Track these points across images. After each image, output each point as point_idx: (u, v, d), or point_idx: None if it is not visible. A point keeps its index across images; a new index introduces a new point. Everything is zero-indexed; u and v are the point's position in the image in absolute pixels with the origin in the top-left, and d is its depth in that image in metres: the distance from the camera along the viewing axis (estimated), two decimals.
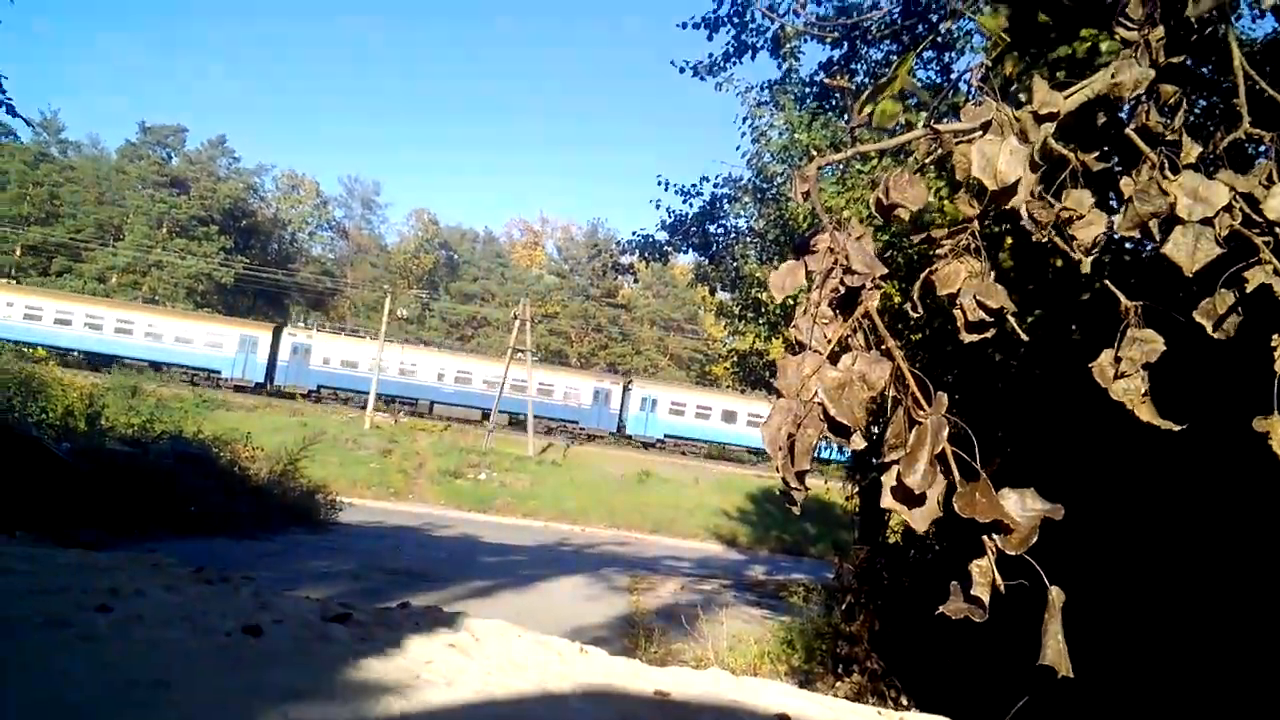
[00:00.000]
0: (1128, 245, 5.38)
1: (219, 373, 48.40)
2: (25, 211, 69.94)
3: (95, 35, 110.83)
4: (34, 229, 69.01)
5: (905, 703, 7.17)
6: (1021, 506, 1.75)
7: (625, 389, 53.01)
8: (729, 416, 50.57)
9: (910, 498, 1.78)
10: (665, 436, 51.54)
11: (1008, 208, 1.98)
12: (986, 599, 1.75)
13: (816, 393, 1.83)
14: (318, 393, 49.32)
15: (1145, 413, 2.06)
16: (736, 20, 10.56)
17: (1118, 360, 2.07)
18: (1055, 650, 1.76)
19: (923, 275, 2.08)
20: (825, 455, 13.14)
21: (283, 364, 49.53)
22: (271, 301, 75.19)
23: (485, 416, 49.61)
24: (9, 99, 10.18)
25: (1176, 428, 2.03)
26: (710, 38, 10.76)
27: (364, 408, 46.84)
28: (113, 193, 73.03)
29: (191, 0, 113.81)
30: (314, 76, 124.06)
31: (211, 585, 3.69)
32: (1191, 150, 2.09)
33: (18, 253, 69.29)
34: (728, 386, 49.65)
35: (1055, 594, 1.75)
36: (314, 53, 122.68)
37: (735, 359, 21.65)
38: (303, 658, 2.41)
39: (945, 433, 1.76)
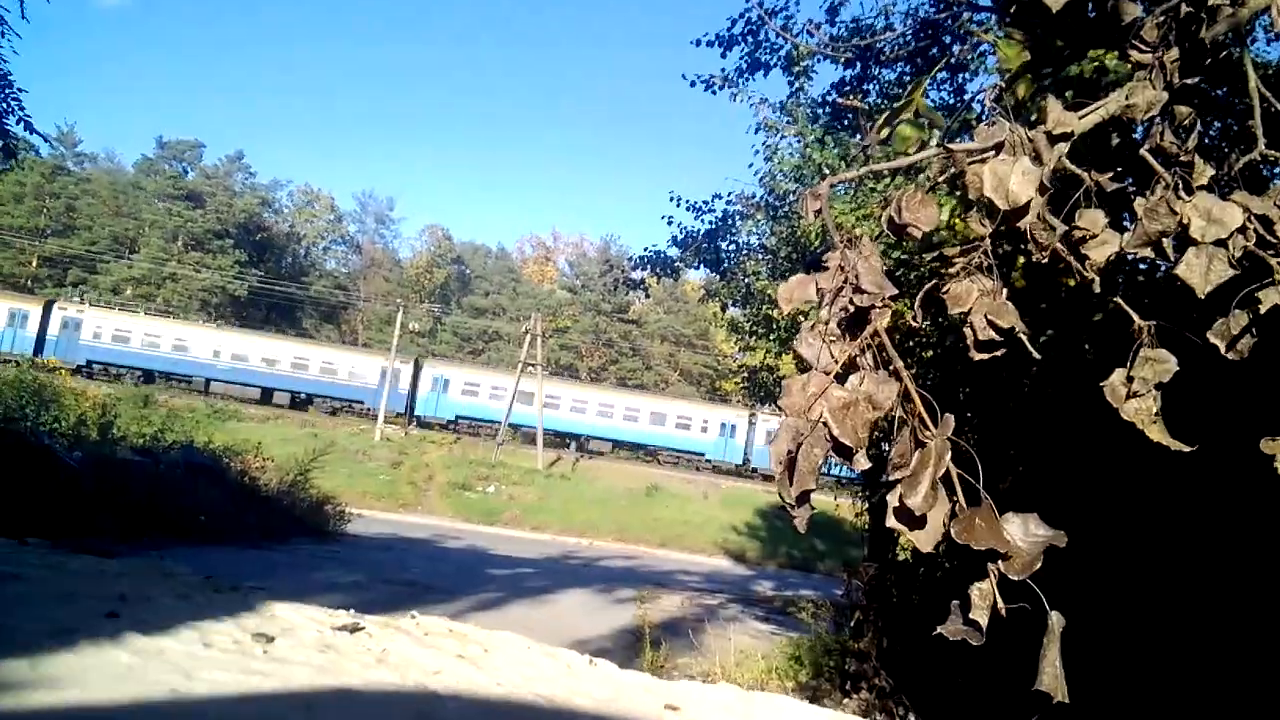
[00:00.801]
0: (1141, 265, 5.37)
1: None
2: (42, 224, 70.61)
3: (112, 51, 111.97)
4: (50, 241, 69.62)
5: None
6: (1024, 532, 1.75)
7: (416, 368, 52.06)
8: (525, 398, 49.88)
9: (913, 519, 1.78)
10: (457, 418, 50.91)
11: (1019, 227, 1.99)
12: (985, 623, 1.74)
13: (821, 412, 1.83)
14: (89, 368, 48.12)
15: (1155, 433, 2.06)
16: (750, 39, 10.61)
17: (1130, 380, 2.06)
18: (1051, 676, 1.75)
19: (925, 288, 2.08)
20: (841, 473, 13.10)
21: (52, 338, 48.97)
22: (285, 314, 75.53)
23: (265, 395, 49.63)
24: (27, 115, 10.30)
25: (1186, 449, 2.02)
26: (724, 55, 10.80)
27: (139, 383, 46.19)
28: (129, 206, 73.63)
29: (209, 19, 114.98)
30: (329, 94, 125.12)
31: (221, 594, 3.71)
32: (1204, 172, 2.09)
33: (34, 264, 69.91)
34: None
35: (1055, 619, 1.74)
36: (329, 71, 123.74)
37: (746, 375, 21.67)
38: (314, 667, 2.42)
39: (949, 455, 1.76)
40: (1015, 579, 1.72)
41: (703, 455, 51.16)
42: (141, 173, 77.69)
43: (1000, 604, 1.74)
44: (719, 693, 2.98)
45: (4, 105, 10.09)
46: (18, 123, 10.26)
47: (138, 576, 3.21)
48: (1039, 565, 1.71)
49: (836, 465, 1.99)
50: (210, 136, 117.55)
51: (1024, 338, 2.01)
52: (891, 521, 1.81)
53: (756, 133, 12.08)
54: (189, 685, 2.04)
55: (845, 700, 8.28)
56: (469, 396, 50.83)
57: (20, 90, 10.08)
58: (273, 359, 49.80)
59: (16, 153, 12.39)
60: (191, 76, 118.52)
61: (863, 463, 1.84)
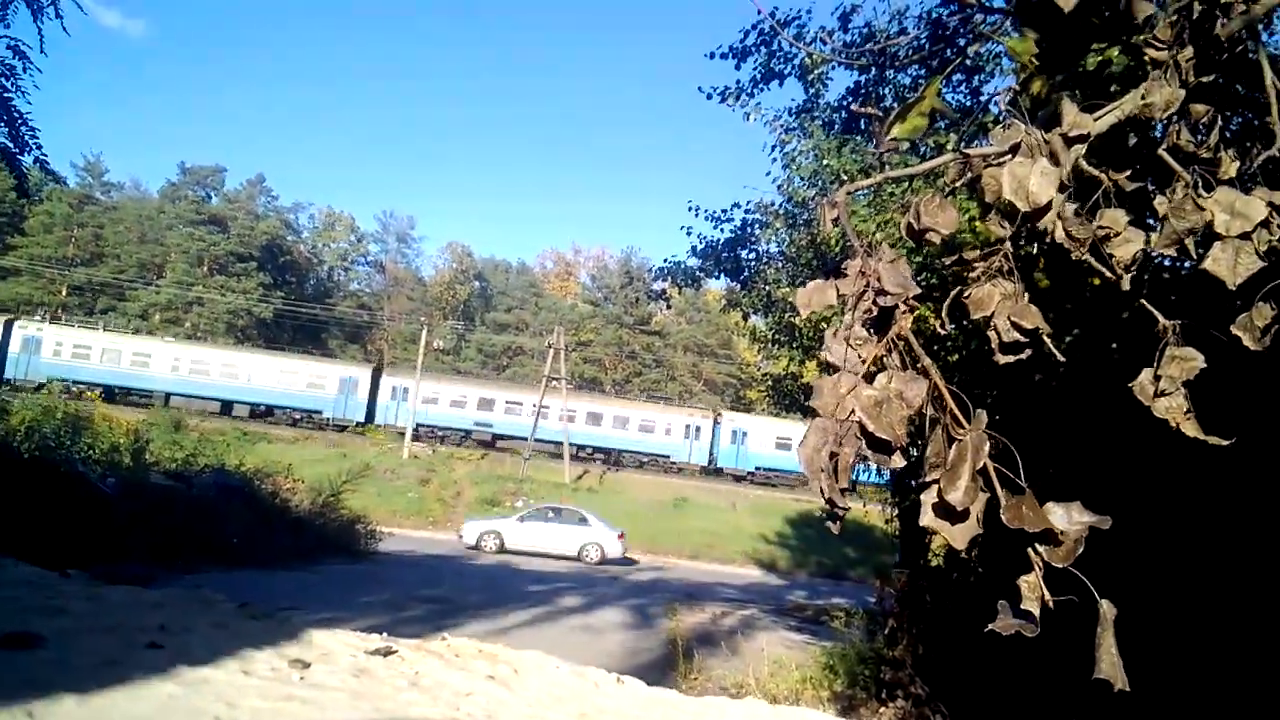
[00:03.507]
0: (1165, 263, 5.32)
1: None
2: (71, 253, 71.73)
3: (136, 80, 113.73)
4: (79, 270, 70.70)
5: None
6: (1068, 518, 1.75)
7: None
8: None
9: (952, 514, 1.77)
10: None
11: (1041, 227, 1.98)
12: (1037, 613, 1.74)
13: (853, 411, 1.83)
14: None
15: (1191, 428, 2.04)
16: (764, 49, 10.62)
17: (1157, 378, 2.05)
18: (1110, 664, 1.74)
19: (951, 294, 2.08)
20: (865, 478, 13.01)
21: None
22: (311, 336, 76.18)
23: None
24: (44, 155, 10.14)
25: (1224, 442, 2.00)
26: (738, 67, 10.82)
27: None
28: (154, 232, 74.71)
29: (228, 45, 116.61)
30: (347, 116, 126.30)
31: (257, 620, 3.74)
32: (1230, 166, 2.08)
33: (64, 293, 71.00)
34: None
35: (1106, 607, 1.74)
36: (347, 93, 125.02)
37: (770, 383, 21.58)
38: (349, 692, 2.44)
39: (986, 448, 1.76)
40: (1059, 567, 1.72)
41: None
42: (165, 199, 78.78)
43: (1048, 596, 1.73)
44: (747, 708, 2.96)
45: (20, 143, 9.96)
46: (34, 162, 10.10)
47: (176, 606, 3.25)
48: (1081, 551, 1.71)
49: (866, 471, 1.99)
50: (232, 161, 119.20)
51: (1049, 339, 2.00)
52: (928, 519, 1.80)
53: (774, 149, 12.07)
54: (231, 714, 2.07)
55: (881, 709, 8.21)
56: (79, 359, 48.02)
57: (35, 129, 9.93)
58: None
59: (29, 192, 12.28)
60: (212, 102, 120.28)
61: (899, 460, 1.84)
